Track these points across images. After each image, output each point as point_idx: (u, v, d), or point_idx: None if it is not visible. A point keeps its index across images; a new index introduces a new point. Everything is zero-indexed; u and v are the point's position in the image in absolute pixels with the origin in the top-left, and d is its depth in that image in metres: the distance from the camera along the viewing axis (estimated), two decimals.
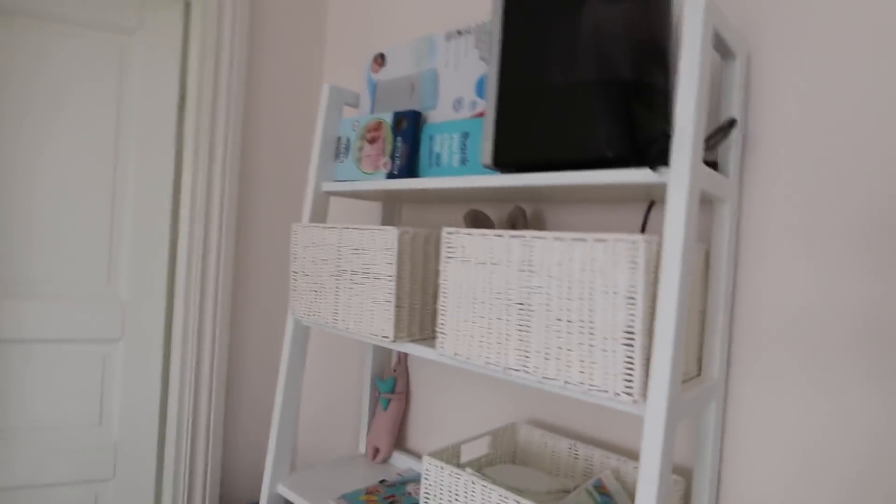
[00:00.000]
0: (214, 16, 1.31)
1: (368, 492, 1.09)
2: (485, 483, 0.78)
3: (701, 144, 0.66)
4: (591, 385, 0.65)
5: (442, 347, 0.82)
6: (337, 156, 1.16)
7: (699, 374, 0.81)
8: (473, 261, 0.78)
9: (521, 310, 0.72)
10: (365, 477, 1.18)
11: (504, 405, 1.14)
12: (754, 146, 0.84)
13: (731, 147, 0.80)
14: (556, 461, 0.99)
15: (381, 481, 1.16)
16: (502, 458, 1.02)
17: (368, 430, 1.31)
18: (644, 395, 0.62)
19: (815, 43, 0.78)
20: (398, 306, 0.90)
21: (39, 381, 1.28)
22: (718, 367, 0.80)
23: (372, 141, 1.09)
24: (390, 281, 0.90)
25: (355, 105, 1.21)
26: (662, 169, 0.66)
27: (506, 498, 0.75)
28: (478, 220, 1.03)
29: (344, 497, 1.07)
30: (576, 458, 0.96)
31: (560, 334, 0.68)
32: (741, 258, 0.85)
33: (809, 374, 0.77)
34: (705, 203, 0.88)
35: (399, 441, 1.33)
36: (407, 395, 1.31)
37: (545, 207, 1.08)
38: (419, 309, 0.94)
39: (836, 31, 0.76)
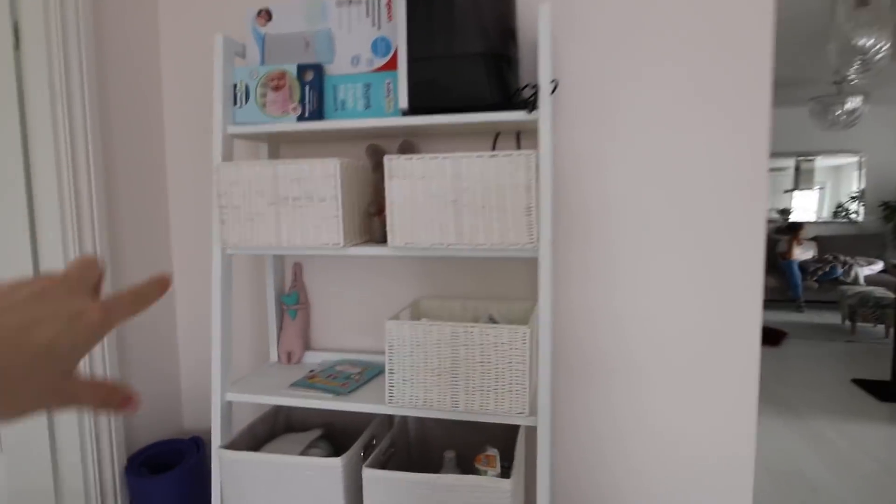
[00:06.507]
0: None
1: (309, 378, 1.36)
2: (435, 323, 1.16)
3: (549, 96, 1.12)
4: (509, 244, 1.09)
5: (393, 241, 1.15)
6: (236, 101, 1.29)
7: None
8: (413, 177, 1.12)
9: (455, 204, 1.11)
10: (293, 374, 1.42)
11: (396, 293, 1.51)
12: (561, 92, 1.36)
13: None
14: (453, 317, 1.42)
15: (311, 371, 1.42)
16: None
17: (278, 340, 1.53)
18: (538, 242, 1.09)
19: (588, 43, 1.32)
20: (344, 220, 1.18)
21: None
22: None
23: (276, 89, 1.27)
24: (335, 201, 1.16)
25: (243, 55, 1.33)
26: (535, 112, 1.10)
27: (451, 326, 1.16)
28: (377, 152, 1.34)
29: (294, 384, 1.32)
30: (466, 311, 1.41)
31: (485, 216, 1.09)
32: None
33: (591, 230, 1.37)
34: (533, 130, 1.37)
35: (305, 344, 1.59)
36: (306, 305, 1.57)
37: (419, 140, 1.45)
38: (358, 221, 1.23)
39: (599, 37, 1.31)
